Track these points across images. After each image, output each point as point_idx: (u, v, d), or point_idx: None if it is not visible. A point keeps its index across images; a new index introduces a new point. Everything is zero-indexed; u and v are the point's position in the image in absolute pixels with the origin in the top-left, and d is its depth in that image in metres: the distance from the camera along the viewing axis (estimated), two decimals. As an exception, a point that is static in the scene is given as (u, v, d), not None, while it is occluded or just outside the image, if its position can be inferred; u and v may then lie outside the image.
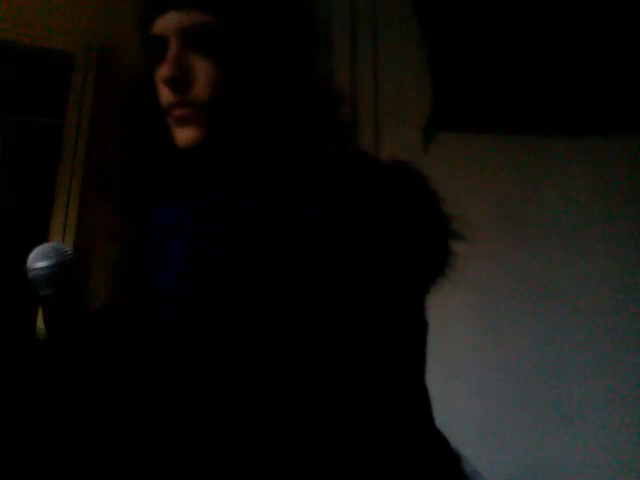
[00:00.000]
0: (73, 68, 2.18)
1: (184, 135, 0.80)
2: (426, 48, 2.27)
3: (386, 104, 2.37)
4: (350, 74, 2.40)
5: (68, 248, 0.83)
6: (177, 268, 0.74)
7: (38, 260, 0.82)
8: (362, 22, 2.42)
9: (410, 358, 0.78)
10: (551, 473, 2.07)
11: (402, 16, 2.33)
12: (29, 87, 2.18)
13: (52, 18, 2.19)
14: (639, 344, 2.05)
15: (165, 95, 0.81)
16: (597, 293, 2.11)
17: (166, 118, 0.81)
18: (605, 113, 2.13)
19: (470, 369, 2.22)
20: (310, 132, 0.80)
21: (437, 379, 2.34)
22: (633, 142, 2.12)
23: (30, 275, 0.81)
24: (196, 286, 0.70)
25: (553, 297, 2.16)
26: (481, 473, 1.96)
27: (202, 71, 0.78)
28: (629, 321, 2.07)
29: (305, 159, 0.76)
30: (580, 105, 2.14)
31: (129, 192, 0.86)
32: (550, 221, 2.19)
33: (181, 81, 0.78)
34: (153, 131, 0.84)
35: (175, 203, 0.81)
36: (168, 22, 0.79)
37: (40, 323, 0.77)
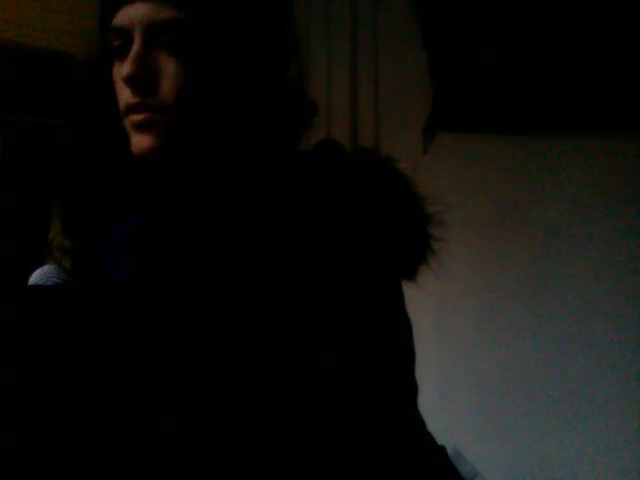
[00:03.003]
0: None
1: (142, 143, 0.71)
2: (426, 49, 2.27)
3: (386, 104, 2.37)
4: (350, 75, 2.41)
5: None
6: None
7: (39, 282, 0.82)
8: (362, 22, 2.42)
9: (404, 358, 0.73)
10: (551, 473, 2.07)
11: (402, 16, 2.33)
12: (29, 87, 2.18)
13: (52, 18, 2.19)
14: (639, 344, 2.05)
15: (124, 96, 0.71)
16: (597, 293, 2.11)
17: (123, 123, 0.73)
18: (605, 113, 2.13)
19: (469, 369, 2.22)
20: (280, 143, 0.74)
21: (437, 379, 2.36)
22: (633, 142, 2.12)
23: None
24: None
25: (553, 297, 2.16)
26: (481, 473, 1.97)
27: (168, 72, 0.69)
28: (629, 321, 2.07)
29: (270, 169, 0.71)
30: (580, 105, 2.14)
31: (79, 208, 0.78)
32: (550, 221, 2.19)
33: (145, 81, 0.69)
34: (108, 138, 0.76)
35: (137, 217, 0.74)
36: (134, 14, 0.70)
37: None
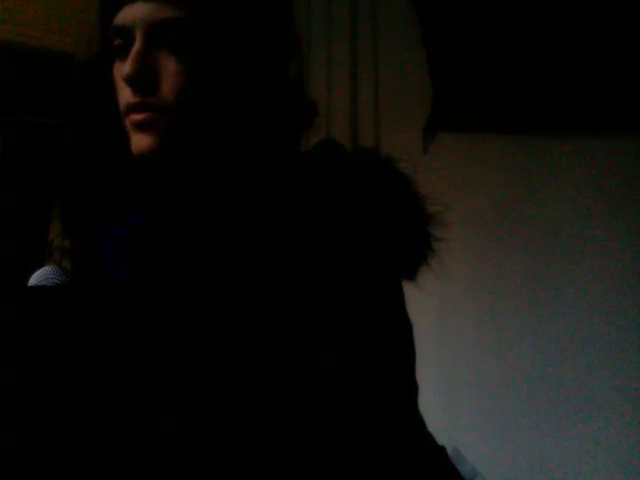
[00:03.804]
0: (73, 68, 2.17)
1: (142, 142, 0.70)
2: (426, 49, 2.27)
3: (386, 105, 2.37)
4: (350, 74, 2.41)
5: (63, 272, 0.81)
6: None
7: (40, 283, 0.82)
8: (362, 22, 2.42)
9: (403, 358, 0.73)
10: (551, 473, 2.07)
11: (402, 16, 2.33)
12: (29, 87, 2.18)
13: (52, 18, 2.19)
14: (639, 344, 2.05)
15: (125, 96, 0.71)
16: (597, 293, 2.11)
17: (123, 123, 0.73)
18: (605, 113, 2.13)
19: (470, 369, 2.22)
20: (280, 143, 0.74)
21: (437, 379, 2.35)
22: (633, 142, 2.12)
23: None
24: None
25: (553, 297, 2.16)
26: (481, 473, 1.97)
27: (169, 71, 0.69)
28: (629, 321, 2.07)
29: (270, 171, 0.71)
30: (580, 105, 2.14)
31: (79, 208, 0.79)
32: (550, 221, 2.19)
33: (145, 80, 0.69)
34: (108, 138, 0.76)
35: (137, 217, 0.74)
36: (135, 13, 0.70)
37: None
